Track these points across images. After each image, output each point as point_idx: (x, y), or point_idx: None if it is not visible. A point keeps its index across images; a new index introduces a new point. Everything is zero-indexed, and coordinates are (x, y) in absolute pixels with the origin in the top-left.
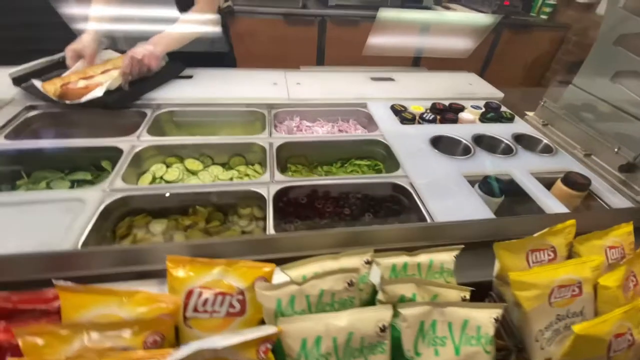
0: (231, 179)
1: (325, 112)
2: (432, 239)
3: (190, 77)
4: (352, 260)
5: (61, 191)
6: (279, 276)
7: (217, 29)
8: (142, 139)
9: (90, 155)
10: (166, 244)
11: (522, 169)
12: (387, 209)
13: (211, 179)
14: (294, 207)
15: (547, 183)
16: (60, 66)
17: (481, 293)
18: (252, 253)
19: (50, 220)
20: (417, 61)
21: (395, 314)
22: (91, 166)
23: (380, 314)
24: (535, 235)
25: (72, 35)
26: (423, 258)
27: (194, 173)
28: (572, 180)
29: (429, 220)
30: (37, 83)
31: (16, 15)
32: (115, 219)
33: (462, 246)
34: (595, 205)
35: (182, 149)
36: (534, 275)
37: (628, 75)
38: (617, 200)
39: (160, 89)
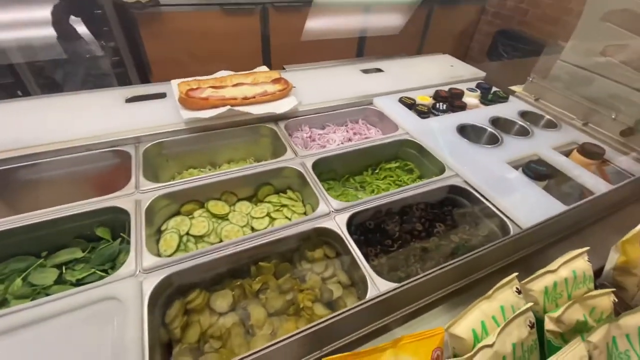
0: (268, 214)
1: (332, 116)
2: (527, 247)
3: (163, 94)
4: (505, 295)
5: (81, 292)
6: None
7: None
8: (144, 189)
9: (77, 224)
10: (280, 347)
11: (544, 147)
12: (454, 214)
13: (244, 220)
14: (364, 235)
15: (564, 155)
16: None
17: None
18: (377, 319)
19: (87, 342)
20: (361, 50)
21: None
22: (76, 239)
23: (578, 352)
24: None
25: None
26: (566, 272)
27: (222, 218)
28: (589, 150)
29: (505, 219)
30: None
31: None
32: (162, 307)
33: (588, 248)
34: (608, 169)
35: (200, 191)
36: None
37: (618, 49)
38: (626, 163)
39: (133, 114)
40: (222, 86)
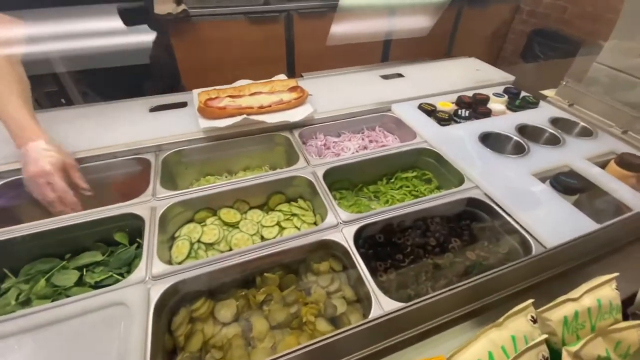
0: (278, 223)
1: (348, 124)
2: (552, 269)
3: (185, 104)
4: (518, 324)
5: (92, 296)
6: None
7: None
8: (160, 196)
9: (97, 229)
10: None
11: (577, 157)
12: (470, 229)
13: (255, 229)
14: (373, 249)
15: (599, 167)
16: None
17: None
18: (380, 339)
19: (93, 347)
20: (387, 54)
21: None
22: (97, 242)
23: None
24: None
25: None
26: (590, 300)
27: (233, 226)
28: (628, 162)
29: (527, 237)
30: (195, 91)
31: None
32: (169, 314)
33: (617, 274)
34: None
35: (213, 199)
36: None
37: None
38: None
39: (156, 123)
40: (240, 95)
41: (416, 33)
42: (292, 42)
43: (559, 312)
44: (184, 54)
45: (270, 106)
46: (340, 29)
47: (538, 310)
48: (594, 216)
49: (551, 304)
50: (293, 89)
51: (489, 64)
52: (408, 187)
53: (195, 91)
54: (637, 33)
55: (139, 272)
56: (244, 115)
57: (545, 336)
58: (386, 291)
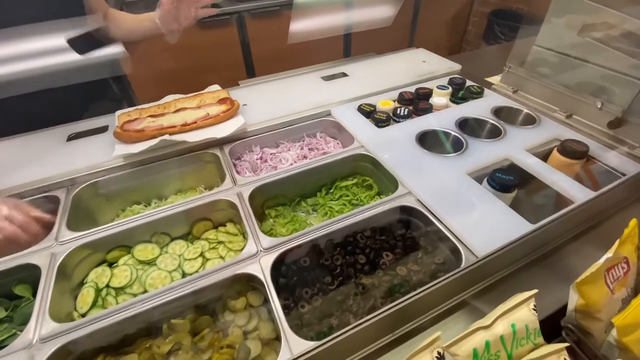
0: (202, 254)
1: (287, 132)
2: (478, 281)
3: (105, 128)
4: None
5: None
6: None
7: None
8: (63, 240)
9: None
10: None
11: (517, 149)
12: (404, 240)
13: (175, 264)
14: (298, 276)
15: (542, 156)
16: None
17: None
18: None
19: None
20: (349, 48)
21: None
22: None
23: None
24: (611, 255)
25: None
26: (503, 327)
27: (149, 263)
28: (570, 149)
29: (459, 246)
30: (117, 113)
31: None
32: None
33: (535, 291)
34: (595, 168)
35: (126, 236)
36: (636, 313)
37: (597, 27)
38: (616, 160)
39: (71, 154)
40: (164, 113)
41: (376, 24)
42: (247, 45)
43: (467, 344)
44: (134, 69)
45: (195, 122)
46: (297, 26)
47: (446, 344)
48: (535, 213)
49: (460, 335)
50: (223, 100)
51: (452, 50)
52: (348, 196)
53: (117, 112)
54: (572, 13)
55: (26, 335)
56: (162, 137)
57: None
58: (305, 325)
